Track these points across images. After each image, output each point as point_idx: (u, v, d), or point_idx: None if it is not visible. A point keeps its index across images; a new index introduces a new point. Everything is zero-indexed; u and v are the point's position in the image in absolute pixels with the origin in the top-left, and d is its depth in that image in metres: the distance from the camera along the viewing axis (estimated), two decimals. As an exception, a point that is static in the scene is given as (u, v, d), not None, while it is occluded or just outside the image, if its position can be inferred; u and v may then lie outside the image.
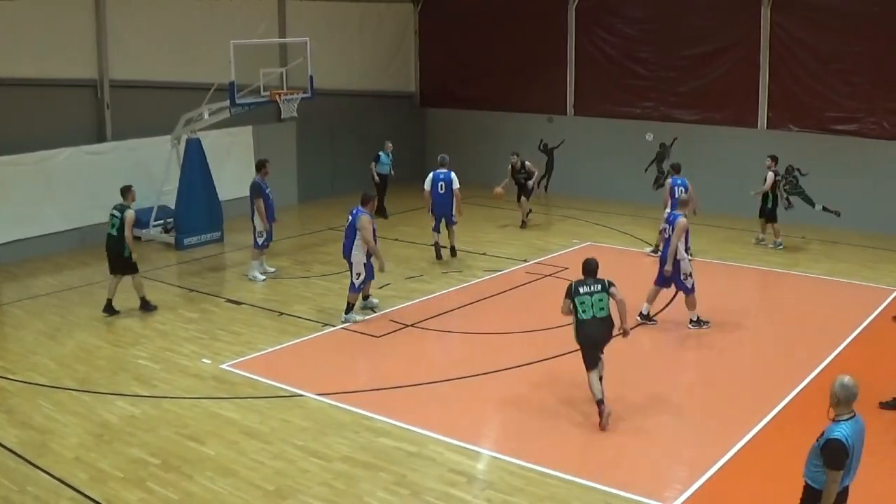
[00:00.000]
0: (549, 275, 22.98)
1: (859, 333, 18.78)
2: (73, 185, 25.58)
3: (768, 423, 14.31)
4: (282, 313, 19.81)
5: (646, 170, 32.15)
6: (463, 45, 35.80)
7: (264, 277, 22.39)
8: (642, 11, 32.15)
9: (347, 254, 19.24)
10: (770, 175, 25.43)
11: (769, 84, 29.75)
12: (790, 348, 17.96)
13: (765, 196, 25.65)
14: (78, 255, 25.02)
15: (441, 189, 24.04)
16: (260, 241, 22.21)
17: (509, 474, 12.66)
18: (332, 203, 30.55)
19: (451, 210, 24.14)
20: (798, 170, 29.28)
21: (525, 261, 24.21)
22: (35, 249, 24.83)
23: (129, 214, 19.65)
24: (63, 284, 22.49)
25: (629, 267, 23.49)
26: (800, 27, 28.96)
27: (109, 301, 20.06)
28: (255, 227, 22.25)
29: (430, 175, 24.36)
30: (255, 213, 22.07)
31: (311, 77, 25.73)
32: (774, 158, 25.77)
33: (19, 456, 13.25)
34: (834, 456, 9.16)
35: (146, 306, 20.22)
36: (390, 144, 29.43)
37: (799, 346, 18.01)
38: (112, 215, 19.95)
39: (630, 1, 32.40)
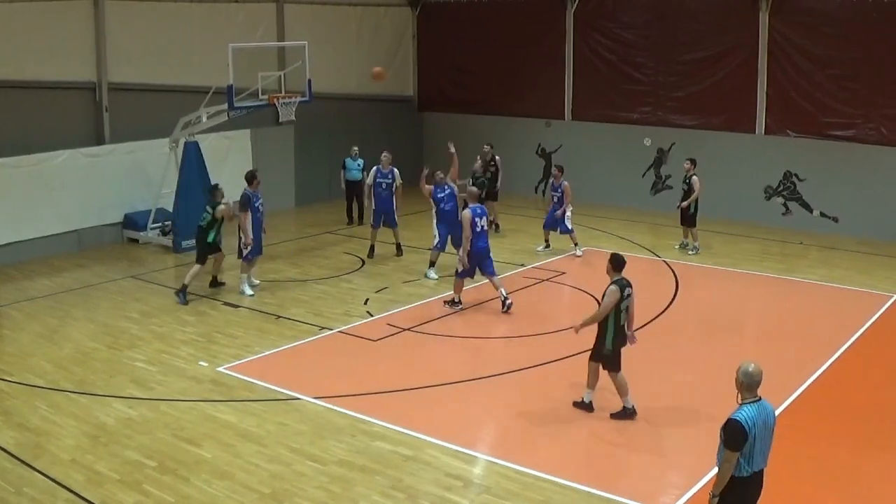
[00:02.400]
0: (547, 279, 23.04)
1: (857, 339, 18.81)
2: (70, 187, 25.60)
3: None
4: (279, 316, 19.82)
5: (643, 175, 32.18)
6: (461, 49, 35.83)
7: (252, 293, 21.87)
8: (640, 17, 32.18)
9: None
10: (695, 180, 25.44)
11: (767, 89, 29.79)
12: (787, 354, 17.97)
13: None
14: (75, 257, 25.06)
15: (383, 187, 24.67)
16: (245, 252, 21.77)
17: (505, 479, 12.67)
18: (329, 207, 30.59)
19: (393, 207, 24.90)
20: (796, 175, 29.32)
21: (522, 265, 24.24)
22: (32, 251, 24.84)
23: (219, 209, 21.51)
24: (60, 287, 22.49)
25: (627, 272, 23.48)
26: (798, 33, 28.99)
27: (214, 278, 22.36)
28: (240, 239, 21.92)
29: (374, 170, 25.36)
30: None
31: (310, 81, 25.74)
32: (693, 161, 25.89)
33: (15, 457, 13.24)
34: (730, 435, 9.58)
35: (215, 283, 22.27)
36: (356, 149, 29.24)
37: (796, 352, 18.02)
38: (205, 210, 21.76)
39: (628, 6, 32.43)
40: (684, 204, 25.45)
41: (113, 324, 19.57)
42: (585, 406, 14.86)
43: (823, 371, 16.88)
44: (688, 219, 25.64)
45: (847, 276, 23.55)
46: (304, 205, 31.78)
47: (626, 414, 14.54)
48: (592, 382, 14.86)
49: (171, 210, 26.32)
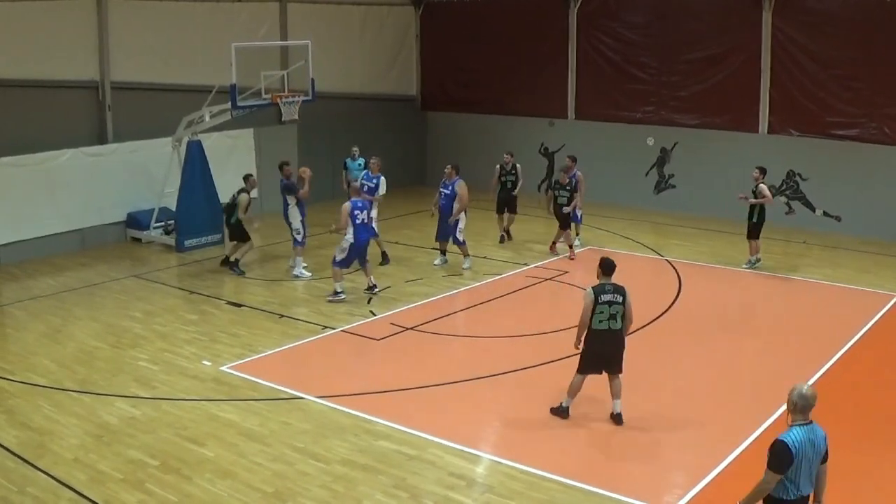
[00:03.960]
0: (550, 279, 23.02)
1: (860, 339, 18.80)
2: (73, 186, 25.62)
3: (768, 428, 14.30)
4: (282, 315, 19.82)
5: (646, 174, 32.17)
6: (464, 48, 35.80)
7: (310, 274, 23.11)
8: (643, 16, 32.18)
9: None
10: (763, 188, 23.79)
11: (770, 89, 29.77)
12: (790, 353, 17.97)
13: (751, 210, 24.05)
14: (78, 256, 25.06)
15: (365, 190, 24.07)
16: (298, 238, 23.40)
17: (509, 478, 12.66)
18: (332, 206, 30.27)
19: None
20: (799, 175, 29.31)
21: (525, 265, 24.23)
22: (35, 251, 24.87)
23: (242, 198, 23.06)
24: (63, 286, 22.50)
25: (630, 271, 23.49)
26: (800, 32, 28.98)
27: (227, 257, 23.97)
28: (291, 226, 23.32)
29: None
30: (289, 211, 23.40)
31: (313, 80, 25.72)
32: (763, 170, 24.24)
33: (18, 457, 13.24)
34: (774, 456, 9.26)
35: (234, 268, 23.57)
36: (356, 149, 28.61)
37: (799, 352, 18.02)
38: (232, 196, 23.41)
39: (631, 6, 32.42)
40: (753, 200, 23.71)
41: (116, 323, 19.57)
42: (614, 417, 14.60)
43: (827, 370, 16.89)
44: (752, 230, 24.04)
45: (850, 275, 23.53)
46: (307, 204, 31.71)
47: (559, 412, 14.69)
48: (614, 391, 14.64)
49: (173, 209, 26.29)
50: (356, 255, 20.94)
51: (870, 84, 27.89)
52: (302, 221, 23.26)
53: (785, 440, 9.26)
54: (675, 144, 31.67)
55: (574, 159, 25.68)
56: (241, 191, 23.12)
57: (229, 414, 14.75)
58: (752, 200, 23.65)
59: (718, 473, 12.90)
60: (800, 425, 9.38)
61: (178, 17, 28.44)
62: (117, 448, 13.49)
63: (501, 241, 27.00)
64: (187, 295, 21.84)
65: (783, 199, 29.61)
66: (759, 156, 29.06)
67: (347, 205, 20.78)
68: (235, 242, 23.70)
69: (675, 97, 31.63)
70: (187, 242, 25.57)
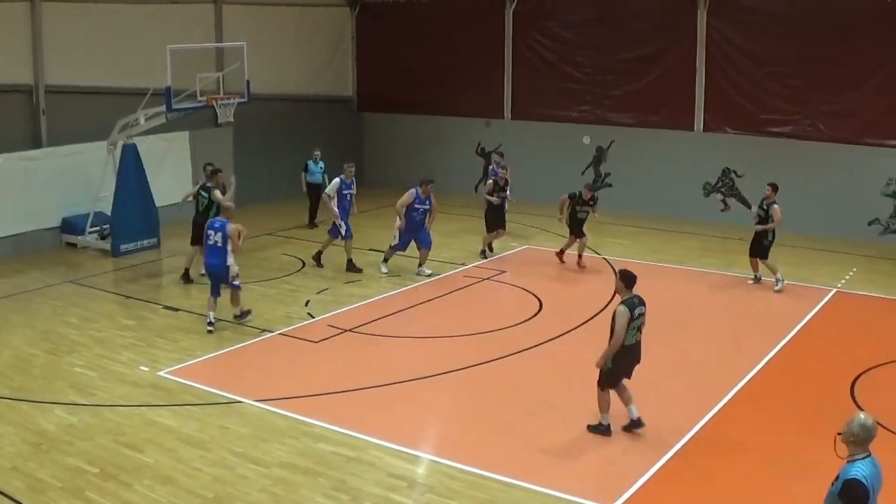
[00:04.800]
0: (487, 278, 23.13)
1: (797, 332, 19.11)
2: (7, 191, 25.29)
3: (707, 423, 14.50)
4: (220, 319, 19.75)
5: (583, 173, 32.31)
6: (401, 49, 35.80)
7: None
8: (579, 15, 32.40)
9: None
10: (776, 209, 22.33)
11: (705, 87, 30.12)
12: (729, 349, 18.22)
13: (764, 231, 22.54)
14: (12, 262, 24.76)
15: (348, 199, 24.11)
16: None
17: (449, 478, 12.72)
18: (268, 208, 30.46)
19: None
20: (734, 172, 29.64)
21: (463, 264, 24.31)
22: (-31, 257, 24.60)
23: (215, 194, 22.12)
24: (-3, 292, 22.31)
25: (567, 270, 23.67)
26: (735, 31, 29.35)
27: (187, 270, 22.76)
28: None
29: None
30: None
31: (248, 82, 25.64)
32: (775, 187, 22.84)
33: (-45, 466, 13.14)
34: (855, 499, 8.31)
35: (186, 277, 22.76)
36: (318, 153, 29.04)
37: (737, 347, 18.28)
38: (199, 195, 22.59)
39: (567, 5, 32.62)
40: (759, 227, 22.42)
41: (52, 329, 19.39)
42: (635, 423, 14.23)
43: (765, 364, 17.14)
44: (760, 250, 22.63)
45: (787, 270, 23.75)
46: (242, 206, 31.45)
47: (601, 430, 14.09)
48: (626, 397, 14.25)
49: (109, 214, 26.08)
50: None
51: (805, 82, 28.30)
52: None
53: (857, 477, 8.35)
54: (611, 143, 31.89)
55: (502, 154, 26.82)
56: (209, 188, 22.32)
57: (168, 419, 14.68)
58: (759, 227, 22.38)
59: (659, 469, 13.05)
60: (862, 458, 8.52)
61: (113, 20, 28.20)
62: (56, 456, 13.39)
63: (483, 255, 25.58)
64: (124, 300, 21.71)
65: (719, 196, 29.95)
66: (694, 154, 29.48)
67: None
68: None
69: (611, 96, 31.87)
70: (123, 247, 25.38)
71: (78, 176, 26.48)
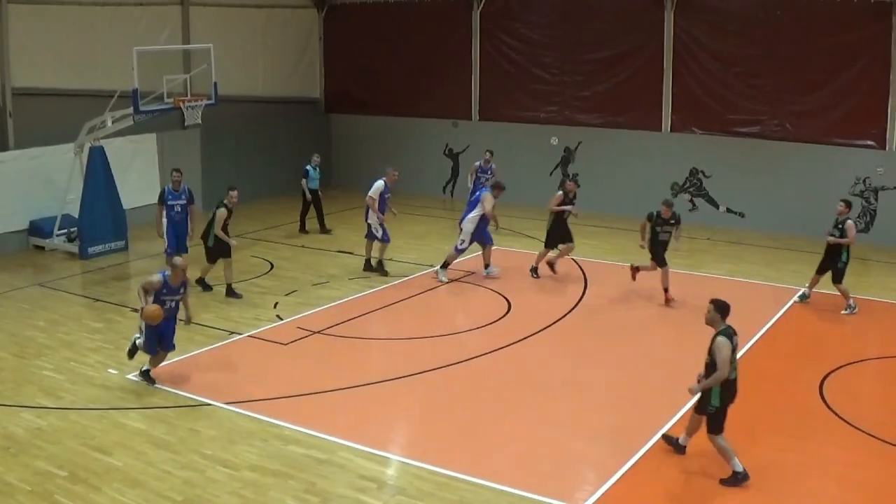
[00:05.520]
0: (456, 280, 23.14)
1: (765, 332, 19.30)
2: (-26, 194, 25.23)
3: (676, 423, 14.56)
4: (188, 322, 19.68)
5: (551, 173, 32.42)
6: (368, 50, 35.77)
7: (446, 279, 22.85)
8: (546, 17, 32.46)
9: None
10: (850, 224, 20.60)
11: (672, 87, 30.27)
12: (697, 349, 18.24)
13: (838, 249, 20.72)
14: (-21, 265, 24.69)
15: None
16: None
17: (419, 479, 12.76)
18: (237, 210, 30.24)
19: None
20: (702, 172, 29.83)
21: (431, 266, 24.30)
22: (-65, 261, 24.45)
23: (220, 213, 21.49)
24: (-36, 296, 22.18)
25: (547, 276, 23.70)
26: (702, 31, 29.52)
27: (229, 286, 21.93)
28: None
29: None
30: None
31: (216, 83, 25.57)
32: (848, 204, 21.06)
33: (-78, 471, 13.08)
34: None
35: (231, 293, 21.78)
36: (318, 158, 28.74)
37: (706, 348, 18.33)
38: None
39: (534, 6, 32.66)
40: (832, 240, 20.51)
41: (20, 332, 19.30)
42: (676, 445, 13.58)
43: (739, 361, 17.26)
44: (835, 273, 20.76)
45: (754, 270, 23.98)
46: (210, 208, 31.45)
47: (738, 479, 12.68)
48: (692, 429, 13.39)
49: (76, 216, 25.96)
50: None
51: (772, 81, 28.51)
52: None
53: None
54: (578, 144, 31.99)
55: (492, 153, 26.46)
56: (219, 204, 21.72)
57: (137, 422, 14.66)
58: (832, 240, 20.58)
59: (628, 469, 13.14)
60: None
61: (80, 22, 28.07)
62: (24, 459, 13.35)
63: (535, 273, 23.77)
64: (92, 303, 21.64)
65: (687, 196, 30.10)
66: (662, 154, 29.59)
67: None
68: (214, 263, 22.06)
69: (579, 97, 31.97)
70: (91, 250, 25.28)
71: (45, 179, 26.37)
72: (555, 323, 19.68)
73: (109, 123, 25.16)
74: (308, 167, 28.31)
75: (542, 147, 32.40)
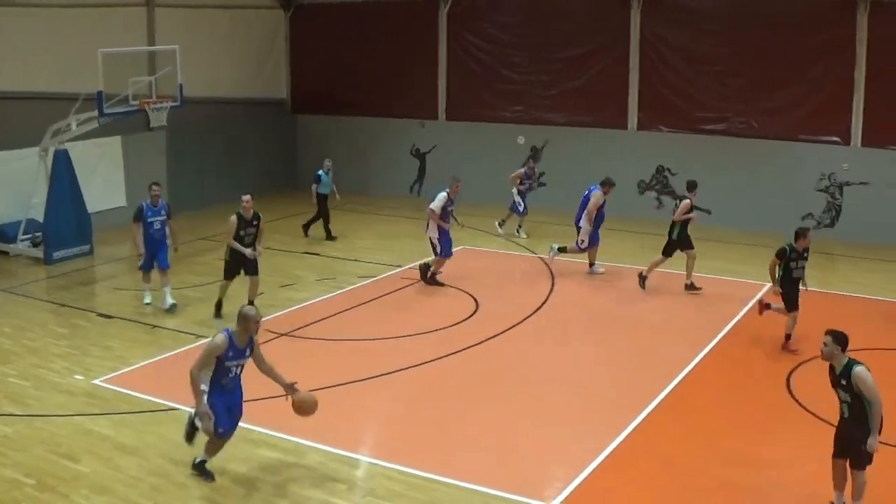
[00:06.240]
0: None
1: (732, 328, 19.50)
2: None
3: (646, 417, 14.65)
4: (155, 326, 19.59)
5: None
6: (334, 50, 35.68)
7: (148, 300, 21.16)
8: (513, 16, 32.55)
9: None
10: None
11: (639, 86, 30.42)
12: (665, 346, 18.37)
13: None
14: (-54, 270, 24.48)
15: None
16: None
17: (389, 480, 12.74)
18: (202, 213, 30.21)
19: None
20: (668, 170, 29.91)
21: (399, 266, 24.27)
22: None
23: (230, 222, 19.96)
24: (-71, 302, 21.98)
25: (504, 270, 23.73)
26: (668, 30, 29.66)
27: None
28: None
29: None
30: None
31: (181, 85, 25.45)
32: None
33: None
34: None
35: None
36: (329, 162, 27.89)
37: (674, 344, 18.45)
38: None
39: (501, 6, 32.76)
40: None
41: (-19, 339, 19.14)
42: None
43: (700, 360, 17.35)
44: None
45: (721, 266, 24.10)
46: (177, 212, 31.16)
47: None
48: (841, 483, 11.86)
49: (41, 221, 25.76)
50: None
51: (738, 79, 28.75)
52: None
53: None
54: (545, 143, 32.01)
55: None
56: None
57: (104, 428, 14.54)
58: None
59: (599, 464, 13.21)
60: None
61: (44, 24, 27.83)
62: (-10, 468, 13.25)
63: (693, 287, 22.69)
64: (57, 308, 21.47)
65: (653, 194, 30.21)
66: (629, 152, 29.68)
67: None
68: (231, 280, 20.60)
69: (546, 96, 32.04)
70: (56, 254, 25.07)
71: (9, 183, 26.13)
72: (522, 322, 19.71)
73: (74, 126, 25.02)
74: (320, 172, 27.54)
75: (509, 146, 32.39)
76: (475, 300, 21.38)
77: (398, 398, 15.87)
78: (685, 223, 22.30)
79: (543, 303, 21.05)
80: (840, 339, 11.37)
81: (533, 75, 32.27)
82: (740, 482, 12.75)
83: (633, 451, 13.74)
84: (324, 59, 36.02)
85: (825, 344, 11.42)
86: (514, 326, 19.45)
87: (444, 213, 22.53)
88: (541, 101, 32.24)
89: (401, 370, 16.89)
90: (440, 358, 17.43)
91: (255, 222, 20.07)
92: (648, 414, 14.85)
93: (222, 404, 12.51)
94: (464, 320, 20.03)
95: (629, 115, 30.75)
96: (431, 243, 22.71)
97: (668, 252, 22.49)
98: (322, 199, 27.57)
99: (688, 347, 18.00)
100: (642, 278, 22.51)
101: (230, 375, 12.57)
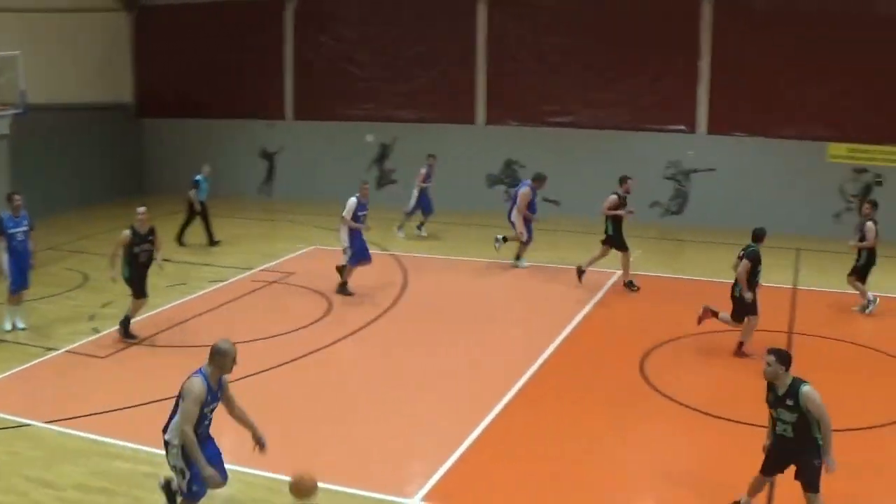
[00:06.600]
0: (275, 281, 23.05)
1: (584, 317, 20.02)
2: None
3: (501, 409, 14.91)
4: (1, 341, 19.18)
5: (368, 170, 32.50)
6: (180, 53, 35.32)
7: (9, 328, 19.92)
8: (359, 14, 32.68)
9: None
10: (870, 226, 20.26)
11: (487, 80, 30.78)
12: (520, 337, 18.72)
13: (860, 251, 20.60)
14: None
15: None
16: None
17: (249, 486, 12.77)
18: (49, 222, 29.56)
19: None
20: (517, 163, 30.29)
21: (250, 269, 24.16)
22: None
23: (122, 236, 18.62)
24: None
25: (359, 271, 23.74)
26: (516, 24, 30.16)
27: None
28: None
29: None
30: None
31: (23, 92, 24.98)
32: (874, 204, 20.79)
33: None
34: None
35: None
36: (208, 168, 27.50)
37: (527, 335, 18.80)
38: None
39: (347, 4, 32.75)
40: (855, 244, 20.48)
41: None
42: None
43: (556, 349, 17.89)
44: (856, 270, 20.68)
45: (568, 255, 24.47)
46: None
47: None
48: (756, 492, 11.68)
49: None
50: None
51: (584, 72, 29.41)
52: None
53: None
54: (394, 139, 32.15)
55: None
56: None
57: (-47, 448, 14.25)
58: (854, 244, 20.56)
59: (458, 459, 13.38)
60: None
61: None
62: None
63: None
64: None
65: (503, 187, 30.58)
66: (478, 146, 29.97)
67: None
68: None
69: (394, 93, 32.20)
70: None
71: None
72: (376, 320, 19.85)
73: (-90, 137, 24.38)
74: (198, 177, 27.02)
75: (359, 144, 32.46)
76: (328, 300, 21.40)
77: (255, 401, 15.59)
78: (616, 220, 22.36)
79: (397, 299, 21.16)
80: (784, 358, 10.92)
81: (381, 72, 32.40)
82: (590, 461, 13.08)
83: (494, 440, 13.95)
84: (169, 62, 35.63)
85: (768, 364, 10.93)
86: (367, 325, 19.53)
87: (356, 219, 21.97)
88: (389, 98, 32.38)
89: (257, 373, 16.72)
90: (293, 360, 17.41)
91: (150, 237, 18.87)
92: (504, 406, 15.09)
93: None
94: (317, 321, 20.03)
95: (477, 109, 31.07)
96: (343, 251, 22.11)
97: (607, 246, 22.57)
98: (202, 206, 26.99)
99: (540, 338, 18.40)
100: (580, 271, 22.59)
101: (206, 423, 11.32)
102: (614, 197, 22.19)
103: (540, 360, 17.20)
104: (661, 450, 13.75)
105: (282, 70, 34.03)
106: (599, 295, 21.44)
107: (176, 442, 11.01)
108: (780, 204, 28.20)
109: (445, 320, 20.19)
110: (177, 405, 11.01)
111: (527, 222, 23.81)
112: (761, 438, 11.51)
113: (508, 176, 30.93)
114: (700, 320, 18.01)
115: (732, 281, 17.38)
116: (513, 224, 23.97)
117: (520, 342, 18.43)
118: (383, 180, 32.54)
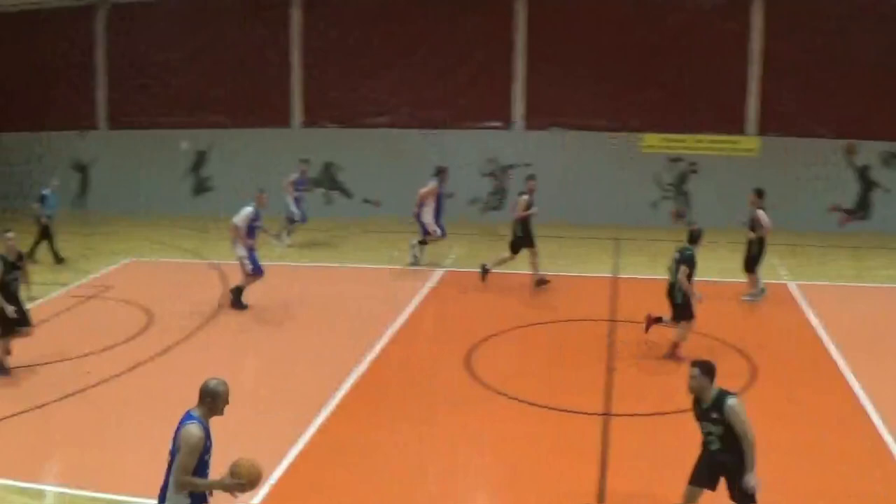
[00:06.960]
0: (93, 296, 22.52)
1: (411, 315, 20.18)
2: None
3: (334, 411, 14.82)
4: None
5: (183, 178, 32.12)
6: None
7: None
8: (171, 20, 32.44)
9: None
10: (761, 214, 20.88)
11: (302, 83, 30.71)
12: (344, 337, 18.68)
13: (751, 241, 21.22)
14: None
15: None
16: None
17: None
18: None
19: None
20: (335, 166, 30.31)
21: (66, 285, 23.53)
22: None
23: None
24: None
25: (170, 277, 23.40)
26: (328, 26, 30.12)
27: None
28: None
29: None
30: None
31: None
32: (759, 192, 21.37)
33: None
34: None
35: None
36: (57, 182, 26.00)
37: (353, 334, 18.72)
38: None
39: (156, 10, 32.33)
40: (751, 235, 20.91)
41: None
42: None
43: (384, 347, 18.08)
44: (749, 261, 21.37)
45: (384, 256, 24.53)
46: None
47: None
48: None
49: None
50: None
51: (399, 72, 29.74)
52: None
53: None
54: (210, 146, 31.83)
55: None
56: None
57: None
58: (751, 235, 21.01)
59: (290, 464, 13.30)
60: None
61: None
62: None
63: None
64: None
65: (322, 190, 30.56)
66: (295, 150, 29.81)
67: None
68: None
69: (209, 99, 31.85)
70: None
71: None
72: (196, 331, 19.57)
73: None
74: (45, 191, 25.53)
75: (174, 152, 32.06)
76: (148, 313, 20.99)
77: (77, 421, 15.35)
78: (525, 220, 22.17)
79: (216, 313, 20.91)
80: (708, 370, 10.52)
81: (195, 78, 31.97)
82: (419, 460, 13.12)
83: (323, 445, 13.88)
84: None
85: (693, 377, 10.51)
86: (189, 336, 19.24)
87: (251, 229, 21.15)
88: (205, 103, 32.00)
89: (78, 392, 16.31)
90: (118, 375, 17.02)
91: (19, 263, 17.31)
92: (334, 410, 15.01)
93: None
94: (137, 335, 19.59)
95: (292, 112, 30.96)
96: (241, 263, 21.20)
97: (515, 249, 22.47)
98: (48, 220, 25.46)
99: (365, 337, 18.47)
100: (485, 271, 22.52)
101: (207, 472, 9.98)
102: (526, 198, 22.22)
103: (367, 360, 17.23)
104: (490, 442, 13.85)
105: (93, 79, 33.25)
106: (424, 291, 21.61)
107: (180, 497, 9.81)
108: (599, 195, 28.78)
109: (267, 327, 20.01)
110: (173, 460, 9.91)
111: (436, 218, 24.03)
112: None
113: (327, 179, 30.86)
114: (647, 329, 17.84)
115: (668, 281, 17.44)
116: (421, 224, 24.07)
117: (344, 344, 18.34)
118: (199, 188, 32.17)
